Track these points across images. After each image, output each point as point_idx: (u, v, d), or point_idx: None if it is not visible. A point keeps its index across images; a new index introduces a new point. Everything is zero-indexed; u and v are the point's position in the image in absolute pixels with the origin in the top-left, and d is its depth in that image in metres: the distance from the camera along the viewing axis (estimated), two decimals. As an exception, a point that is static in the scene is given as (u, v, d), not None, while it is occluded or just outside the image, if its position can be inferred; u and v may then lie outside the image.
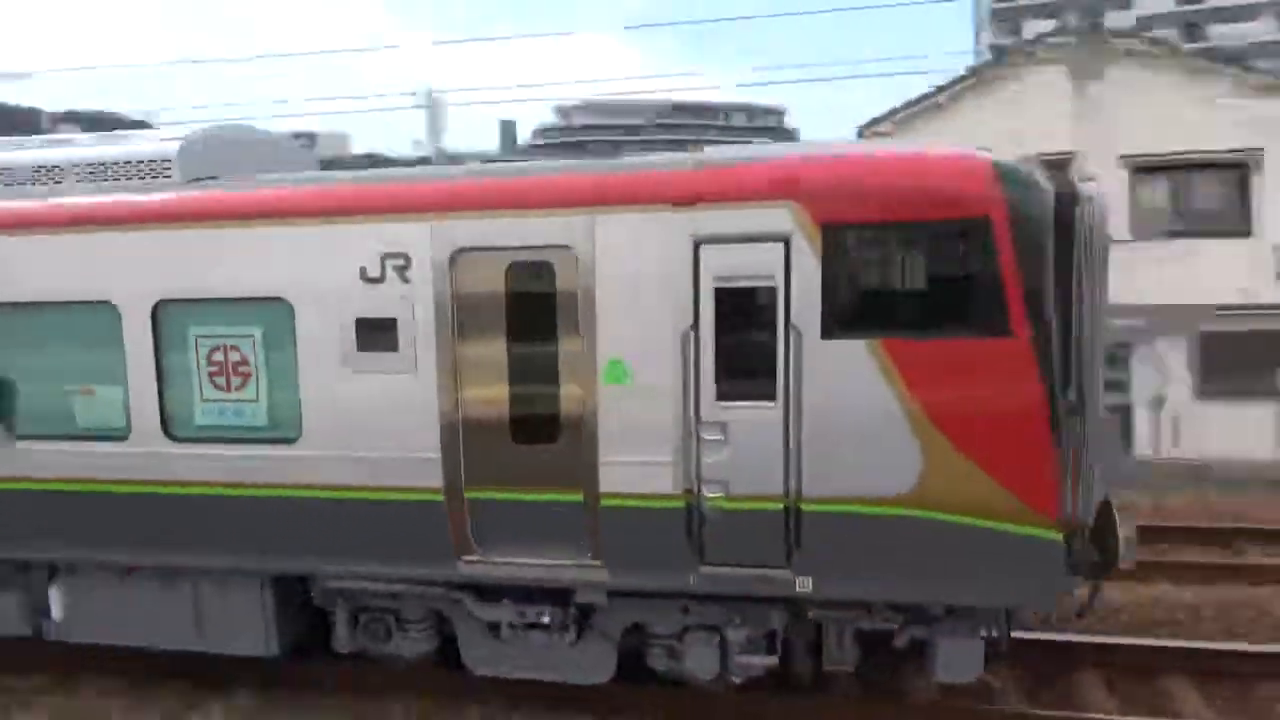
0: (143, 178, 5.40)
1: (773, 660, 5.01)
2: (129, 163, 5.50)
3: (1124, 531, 4.64)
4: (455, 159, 11.57)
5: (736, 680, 5.10)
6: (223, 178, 5.36)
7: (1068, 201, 4.28)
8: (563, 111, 66.80)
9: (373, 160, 7.58)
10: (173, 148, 5.53)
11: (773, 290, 4.40)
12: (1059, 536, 4.37)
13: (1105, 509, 4.63)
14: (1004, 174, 4.28)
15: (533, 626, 5.12)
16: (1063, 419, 4.26)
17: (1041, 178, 4.32)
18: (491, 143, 41.59)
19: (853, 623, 4.91)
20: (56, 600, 5.67)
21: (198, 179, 5.37)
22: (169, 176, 5.41)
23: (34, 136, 6.25)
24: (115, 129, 8.00)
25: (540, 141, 61.90)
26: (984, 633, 4.83)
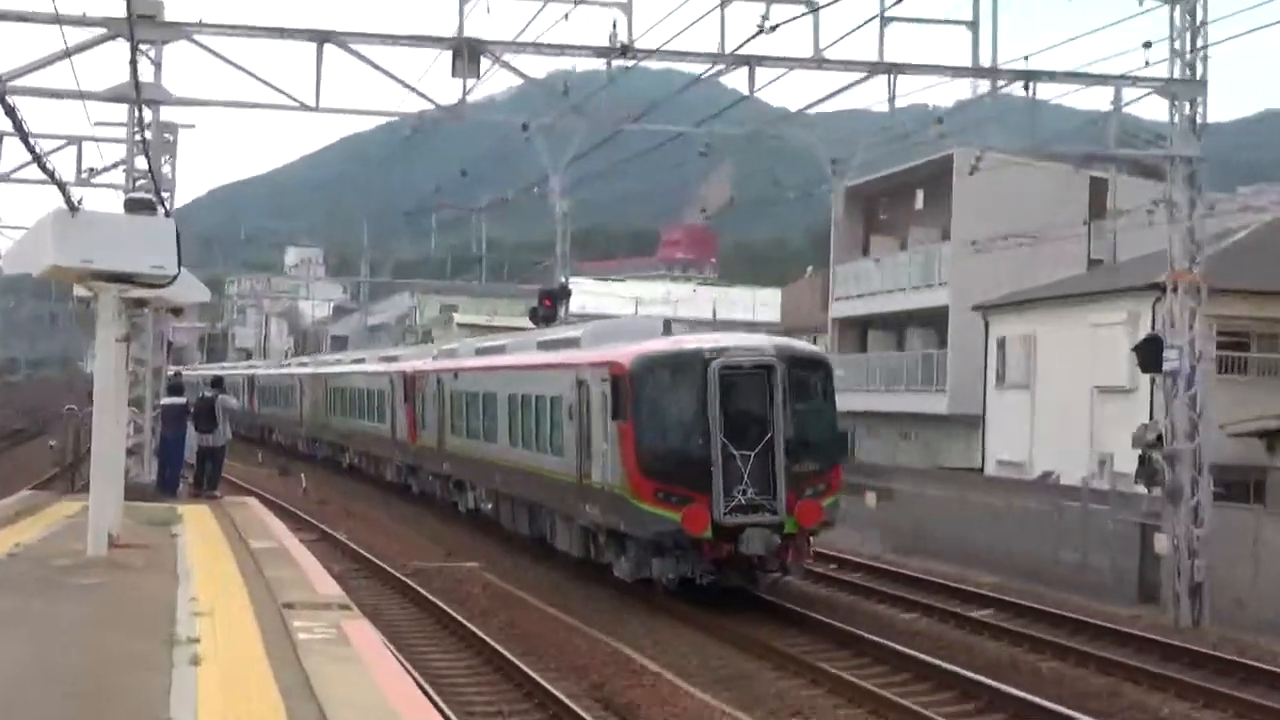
0: (567, 347, 33.67)
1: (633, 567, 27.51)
2: (564, 338, 35.57)
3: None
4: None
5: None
6: (591, 345, 32.18)
7: (666, 369, 26.92)
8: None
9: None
10: (579, 333, 34.74)
11: (606, 396, 27.34)
12: (646, 507, 25.93)
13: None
14: (635, 359, 27.02)
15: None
16: (647, 454, 26.24)
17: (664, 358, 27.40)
18: None
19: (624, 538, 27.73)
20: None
21: (587, 348, 32.42)
22: (578, 347, 32.85)
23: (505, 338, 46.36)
24: None
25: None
26: (676, 563, 26.17)
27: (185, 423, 30.32)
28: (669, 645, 24.12)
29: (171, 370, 37.25)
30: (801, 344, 31.01)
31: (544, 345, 36.26)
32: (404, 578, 29.56)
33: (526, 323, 57.42)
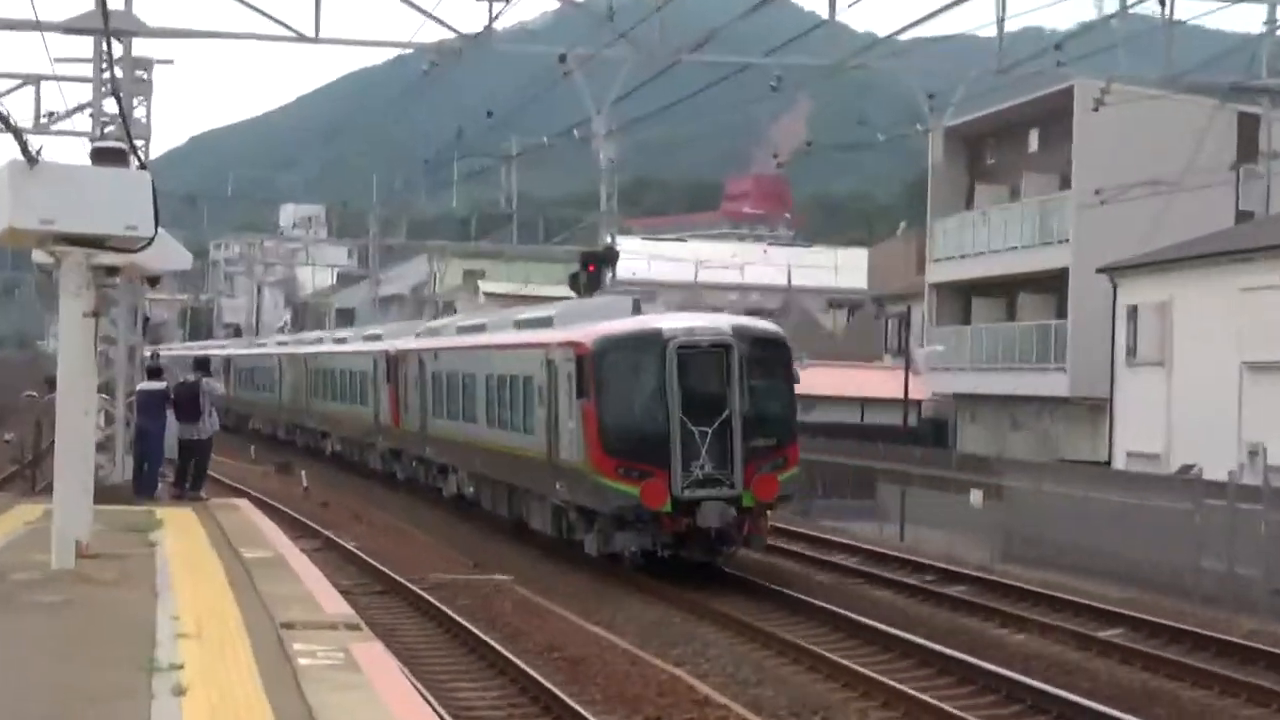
0: (540, 327, 41.02)
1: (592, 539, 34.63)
2: (537, 317, 42.80)
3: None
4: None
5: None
6: (561, 325, 39.05)
7: (622, 350, 33.37)
8: None
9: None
10: (552, 312, 41.96)
11: (572, 376, 34.16)
12: (608, 482, 32.23)
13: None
14: (596, 339, 33.54)
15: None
16: (608, 431, 32.54)
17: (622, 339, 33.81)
18: None
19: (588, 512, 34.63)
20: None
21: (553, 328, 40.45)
22: (550, 327, 39.64)
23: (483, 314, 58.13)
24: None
25: None
26: (638, 535, 32.54)
27: (165, 412, 30.47)
28: (737, 671, 24.29)
29: (149, 350, 37.50)
30: (760, 323, 37.93)
31: (520, 324, 43.45)
32: (422, 592, 29.72)
33: (565, 291, 57.57)
